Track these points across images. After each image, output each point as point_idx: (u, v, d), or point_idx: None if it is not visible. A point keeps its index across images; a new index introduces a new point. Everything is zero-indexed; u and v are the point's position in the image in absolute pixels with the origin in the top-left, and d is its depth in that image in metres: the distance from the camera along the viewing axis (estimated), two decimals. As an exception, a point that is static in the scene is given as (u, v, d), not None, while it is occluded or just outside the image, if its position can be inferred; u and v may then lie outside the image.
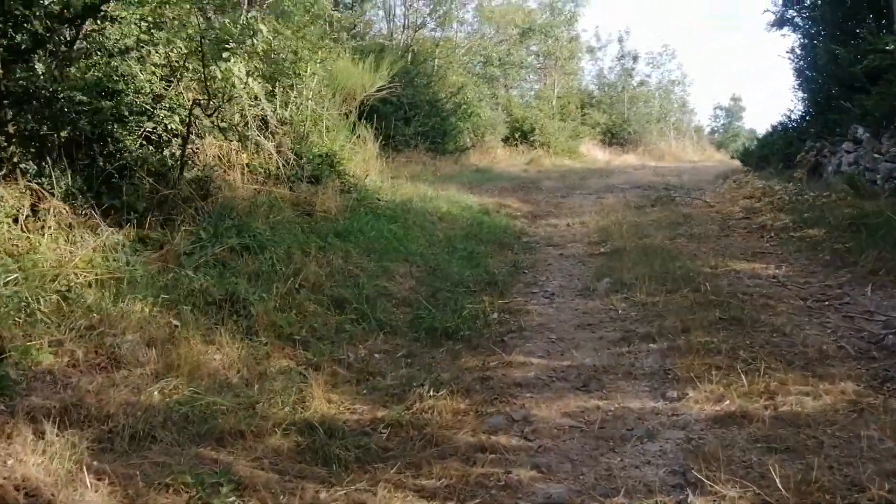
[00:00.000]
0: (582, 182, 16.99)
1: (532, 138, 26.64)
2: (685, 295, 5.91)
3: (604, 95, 38.57)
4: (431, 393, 4.23)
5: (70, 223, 5.43)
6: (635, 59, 39.29)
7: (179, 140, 7.15)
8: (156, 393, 3.74)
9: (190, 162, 7.09)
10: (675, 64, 57.81)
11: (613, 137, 36.39)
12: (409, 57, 22.51)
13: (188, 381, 4.00)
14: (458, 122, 22.14)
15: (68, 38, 6.26)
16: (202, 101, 6.81)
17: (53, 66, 6.20)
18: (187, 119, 6.73)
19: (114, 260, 5.12)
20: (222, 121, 6.99)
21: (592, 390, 4.30)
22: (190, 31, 7.05)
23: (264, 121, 8.94)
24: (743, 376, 4.13)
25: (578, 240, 9.22)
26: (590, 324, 5.59)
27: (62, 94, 5.68)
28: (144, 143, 7.06)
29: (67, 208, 5.48)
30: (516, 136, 26.45)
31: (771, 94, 77.32)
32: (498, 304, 6.22)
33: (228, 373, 4.34)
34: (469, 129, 23.42)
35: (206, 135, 7.30)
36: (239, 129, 7.63)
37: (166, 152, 6.94)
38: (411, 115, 19.09)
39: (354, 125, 11.73)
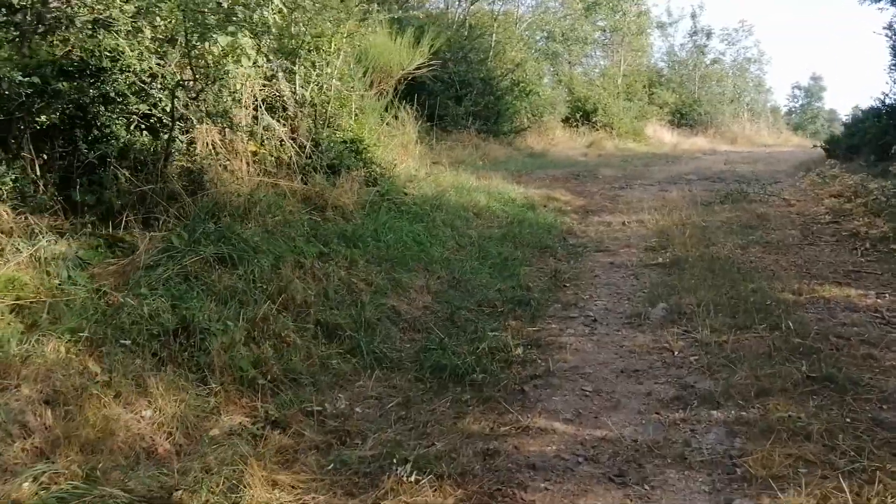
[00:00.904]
0: (644, 170, 15.59)
1: (594, 119, 25.15)
2: (761, 335, 4.68)
3: (673, 74, 36.62)
4: (414, 477, 3.18)
5: (11, 228, 4.56)
6: (709, 35, 37.27)
7: (182, 124, 6.24)
8: (26, 484, 2.77)
9: (178, 152, 6.15)
10: (751, 41, 54.80)
11: (682, 118, 34.50)
12: (465, 31, 21.32)
13: (88, 458, 3.04)
14: (514, 102, 20.84)
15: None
16: (186, 82, 5.83)
17: (19, 42, 5.34)
18: (171, 103, 5.76)
19: (50, 276, 4.21)
20: (216, 104, 6.01)
21: (629, 483, 3.17)
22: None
23: (282, 104, 7.98)
24: (844, 482, 2.94)
25: (633, 244, 7.99)
26: (636, 370, 4.43)
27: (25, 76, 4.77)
28: (138, 129, 6.20)
29: (7, 210, 4.60)
30: (577, 116, 24.99)
31: (857, 74, 73.01)
32: (526, 333, 5.11)
33: (155, 438, 3.36)
34: (527, 109, 22.10)
35: (203, 121, 6.34)
36: (232, 113, 6.63)
37: (165, 138, 6.05)
38: (463, 93, 17.92)
39: (388, 107, 10.65)
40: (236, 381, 3.95)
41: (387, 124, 11.21)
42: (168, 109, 5.97)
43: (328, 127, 8.53)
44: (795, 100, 55.29)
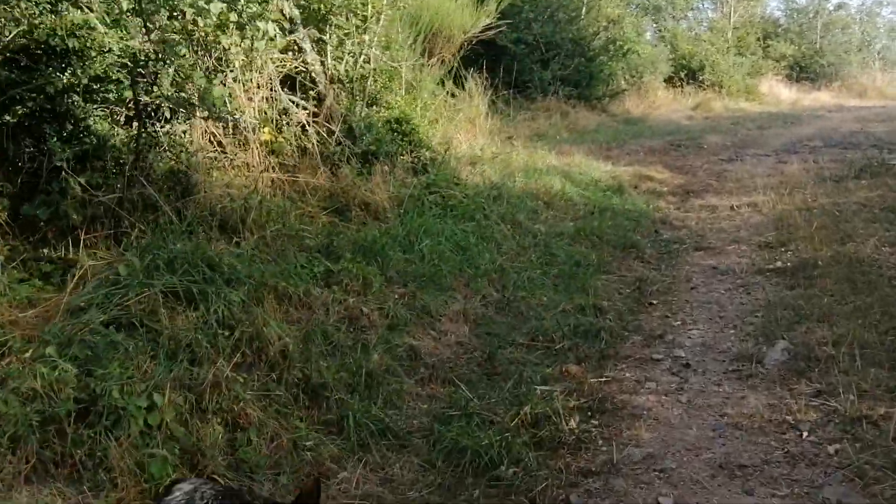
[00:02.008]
0: (759, 135, 13.54)
1: (701, 77, 22.81)
2: (942, 406, 3.10)
3: (792, 23, 33.21)
4: None
5: None
6: (832, -23, 33.60)
7: (183, 113, 5.13)
8: None
9: (159, 147, 5.02)
10: (882, -19, 49.54)
11: (802, 72, 31.28)
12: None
13: None
14: (609, 63, 18.90)
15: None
16: (143, 63, 4.62)
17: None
18: (132, 90, 4.61)
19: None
20: (180, 92, 4.80)
21: None
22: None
23: (311, 80, 6.75)
24: None
25: (744, 238, 6.34)
26: (742, 465, 2.94)
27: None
28: (121, 122, 5.15)
29: None
30: (682, 75, 22.72)
31: None
32: (589, 387, 3.70)
33: None
34: (624, 70, 20.12)
35: (187, 110, 5.17)
36: (234, 98, 5.43)
37: (160, 131, 4.97)
38: (550, 56, 16.22)
39: (447, 77, 9.26)
40: (144, 495, 2.75)
41: (452, 96, 9.85)
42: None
43: (371, 106, 7.25)
44: (934, 44, 49.77)
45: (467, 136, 9.45)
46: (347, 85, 7.00)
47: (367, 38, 7.09)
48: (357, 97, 7.04)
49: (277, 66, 6.39)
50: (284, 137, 6.13)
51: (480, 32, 9.39)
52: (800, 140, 12.09)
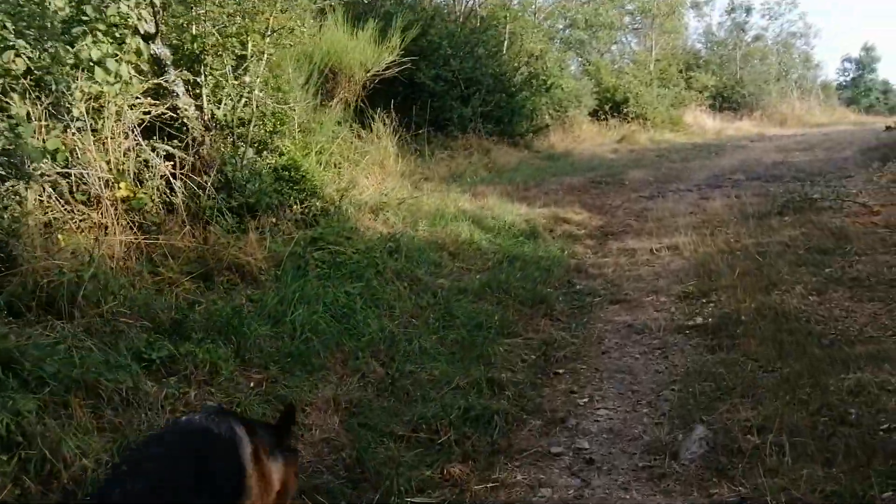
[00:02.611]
0: (682, 168, 13.28)
1: (626, 110, 22.79)
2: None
3: (712, 55, 33.97)
4: None
5: None
6: (748, 11, 34.73)
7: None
8: None
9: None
10: (796, 14, 51.40)
11: (724, 101, 31.90)
12: (475, 23, 19.19)
13: None
14: (532, 97, 18.62)
15: None
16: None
17: None
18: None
19: None
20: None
21: None
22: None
23: (182, 126, 6.02)
24: None
25: (663, 289, 5.82)
26: None
27: None
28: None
29: None
30: (607, 108, 22.67)
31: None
32: (471, 496, 3.03)
33: None
34: (548, 105, 19.87)
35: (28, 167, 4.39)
36: (38, 156, 4.65)
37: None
38: (470, 92, 15.79)
39: (352, 117, 8.65)
40: None
41: (358, 137, 9.24)
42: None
43: (260, 152, 6.56)
44: (846, 73, 51.71)
45: (375, 180, 8.83)
46: (227, 131, 6.30)
47: (247, 79, 6.42)
48: (240, 144, 6.34)
49: (142, 112, 5.66)
50: (145, 192, 5.38)
51: (385, 69, 8.79)
52: (723, 173, 11.83)
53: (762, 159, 14.13)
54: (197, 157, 5.92)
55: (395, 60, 8.70)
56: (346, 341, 4.45)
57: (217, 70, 6.27)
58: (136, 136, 5.46)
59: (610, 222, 8.34)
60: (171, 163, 5.66)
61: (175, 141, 5.86)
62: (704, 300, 5.32)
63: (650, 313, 5.26)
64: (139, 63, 5.59)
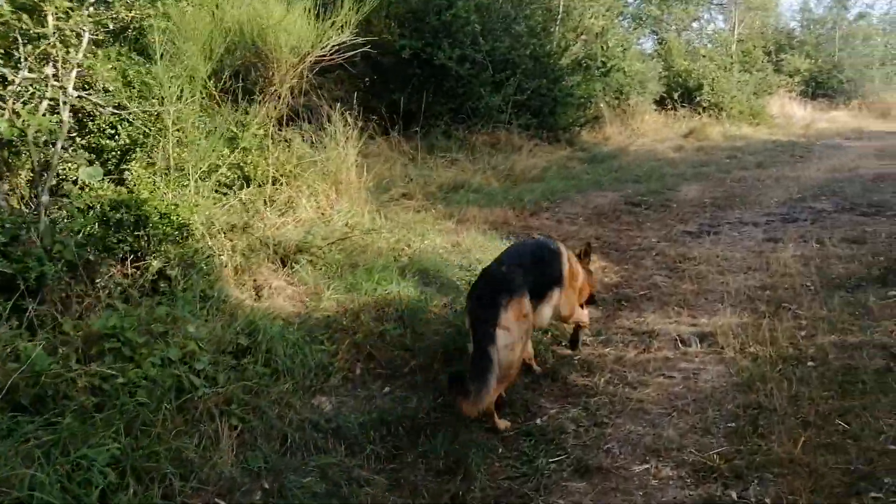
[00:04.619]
0: (753, 181, 10.56)
1: (698, 98, 19.87)
2: None
3: (807, 35, 30.21)
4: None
5: None
6: (853, -16, 30.71)
7: None
8: None
9: None
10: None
11: (818, 88, 28.31)
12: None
13: None
14: (585, 83, 16.00)
15: None
16: None
17: None
18: None
19: None
20: None
21: None
22: None
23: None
24: None
25: (674, 442, 3.42)
26: None
27: None
28: None
29: None
30: (675, 96, 19.81)
31: None
32: None
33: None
34: (604, 91, 17.18)
35: None
36: None
37: None
38: (504, 76, 13.35)
39: (283, 115, 6.43)
40: None
41: (311, 145, 7.08)
42: None
43: (76, 183, 4.44)
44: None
45: (325, 202, 6.67)
46: (24, 149, 4.18)
47: (54, 70, 4.27)
48: (52, 172, 4.22)
49: None
50: None
51: (334, 52, 6.49)
52: (803, 194, 9.11)
53: (858, 170, 11.25)
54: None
55: (345, 42, 6.38)
56: None
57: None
58: None
59: (630, 278, 5.89)
60: None
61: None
62: (740, 489, 2.95)
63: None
64: None
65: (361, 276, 4.97)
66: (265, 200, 6.29)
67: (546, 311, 3.94)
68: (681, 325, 4.89)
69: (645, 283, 5.78)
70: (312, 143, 6.98)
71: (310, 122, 7.17)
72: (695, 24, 26.76)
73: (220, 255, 4.68)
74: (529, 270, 3.74)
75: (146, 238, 4.20)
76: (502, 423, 3.56)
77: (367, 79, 12.27)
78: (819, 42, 29.86)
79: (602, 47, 17.39)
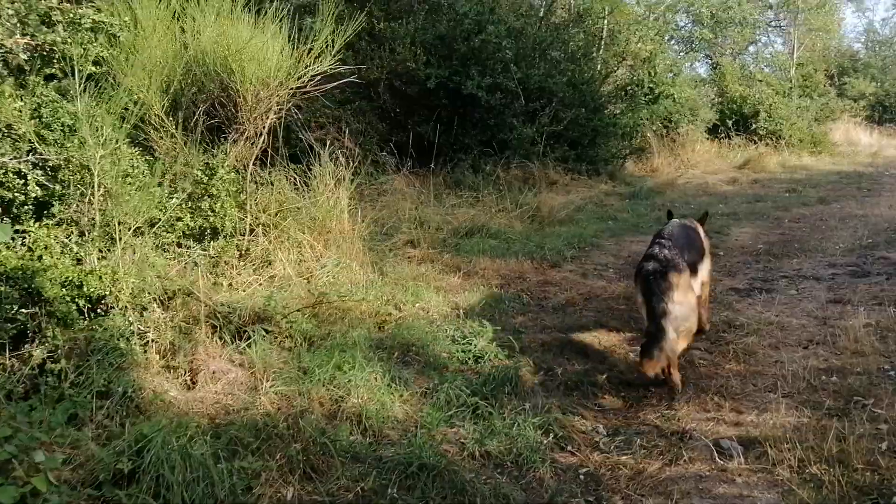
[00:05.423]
0: (815, 220, 9.37)
1: (755, 126, 18.59)
2: None
3: (872, 57, 28.59)
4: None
5: None
6: (922, 2, 29.01)
7: None
8: None
9: None
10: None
11: (885, 112, 26.68)
12: (564, 16, 15.73)
13: None
14: (630, 112, 14.96)
15: None
16: None
17: None
18: None
19: None
20: None
21: None
22: None
23: None
24: None
25: None
26: None
27: None
28: None
29: None
30: (729, 123, 18.56)
31: None
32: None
33: None
34: (650, 120, 16.09)
35: None
36: None
37: None
38: (538, 105, 12.42)
39: (256, 155, 5.60)
40: None
41: (295, 187, 6.26)
42: None
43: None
44: None
45: (311, 254, 5.82)
46: None
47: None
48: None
49: None
50: None
51: (312, 79, 5.63)
52: (874, 239, 7.88)
53: (938, 207, 9.96)
54: None
55: (326, 71, 5.52)
56: None
57: None
58: None
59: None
60: None
61: None
62: None
63: None
64: None
65: (319, 357, 4.06)
66: (241, 254, 5.50)
67: (699, 281, 4.75)
68: (720, 425, 3.84)
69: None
70: (296, 186, 6.15)
71: (298, 162, 6.34)
72: (751, 48, 25.47)
73: (146, 333, 3.83)
74: (685, 249, 4.57)
75: (37, 318, 3.39)
76: (677, 376, 4.21)
77: (389, 110, 11.52)
78: (885, 64, 28.28)
79: (650, 73, 16.36)
